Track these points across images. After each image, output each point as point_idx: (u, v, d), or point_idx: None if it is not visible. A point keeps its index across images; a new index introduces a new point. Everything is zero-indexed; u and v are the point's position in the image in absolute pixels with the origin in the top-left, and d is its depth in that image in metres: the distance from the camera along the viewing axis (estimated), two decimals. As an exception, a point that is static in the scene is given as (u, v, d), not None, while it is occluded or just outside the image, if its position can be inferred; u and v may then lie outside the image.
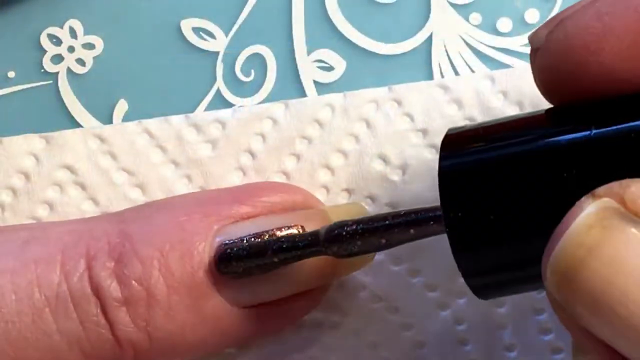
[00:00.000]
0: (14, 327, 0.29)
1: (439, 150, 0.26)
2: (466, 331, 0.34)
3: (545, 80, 0.26)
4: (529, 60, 0.34)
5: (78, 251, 0.30)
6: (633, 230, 0.21)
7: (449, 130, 0.27)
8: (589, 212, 0.22)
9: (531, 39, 0.26)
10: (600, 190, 0.22)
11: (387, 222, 0.28)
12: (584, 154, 0.24)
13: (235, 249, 0.30)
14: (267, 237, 0.30)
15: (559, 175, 0.24)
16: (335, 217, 0.31)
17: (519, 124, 0.26)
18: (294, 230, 0.30)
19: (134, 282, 0.29)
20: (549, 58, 0.25)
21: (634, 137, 0.23)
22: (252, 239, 0.30)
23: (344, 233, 0.29)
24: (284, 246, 0.30)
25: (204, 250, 0.30)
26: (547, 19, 0.34)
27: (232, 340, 0.32)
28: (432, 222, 0.27)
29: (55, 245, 0.30)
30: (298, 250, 0.30)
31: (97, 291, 0.29)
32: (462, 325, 0.34)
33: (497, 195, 0.25)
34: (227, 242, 0.30)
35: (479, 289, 0.26)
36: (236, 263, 0.30)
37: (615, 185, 0.22)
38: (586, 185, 0.23)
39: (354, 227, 0.29)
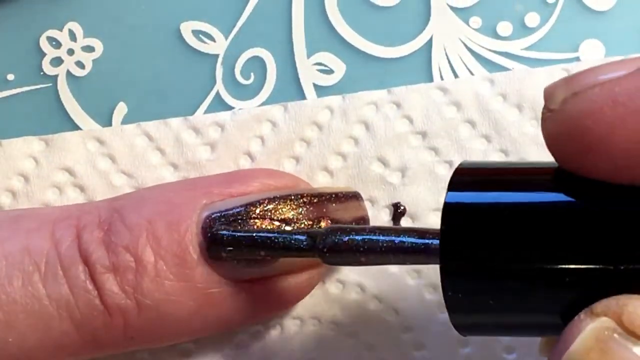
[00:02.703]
0: (3, 290, 0.29)
1: (448, 184, 0.26)
2: (465, 333, 0.34)
3: (552, 144, 0.25)
4: (529, 64, 0.34)
5: (69, 223, 0.31)
6: (630, 353, 0.22)
7: (461, 164, 0.27)
8: (588, 333, 0.22)
9: (546, 96, 0.25)
10: (598, 308, 0.23)
11: (386, 242, 0.28)
12: (580, 224, 0.24)
13: (226, 237, 0.30)
14: (258, 228, 0.30)
15: (557, 238, 0.24)
16: (327, 199, 0.32)
17: (529, 175, 0.26)
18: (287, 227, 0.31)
19: (121, 249, 0.30)
20: (559, 127, 0.24)
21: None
22: (243, 234, 0.30)
23: (344, 242, 0.28)
24: (276, 245, 0.29)
25: (191, 220, 0.30)
26: (547, 22, 0.34)
27: (225, 318, 0.31)
28: (430, 255, 0.27)
29: (46, 219, 0.31)
30: (291, 252, 0.29)
31: (86, 258, 0.30)
32: (462, 327, 0.34)
33: (498, 245, 0.24)
34: (215, 214, 0.30)
35: (461, 327, 0.26)
36: (225, 252, 0.30)
37: (612, 304, 0.22)
38: (579, 252, 0.23)
39: (356, 239, 0.28)
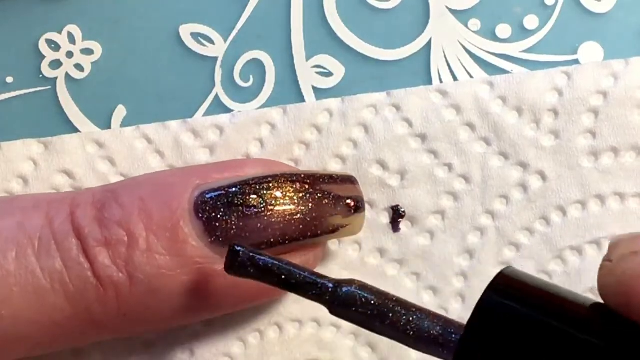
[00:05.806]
0: None
1: (489, 284, 0.25)
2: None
3: (602, 291, 0.26)
4: (528, 66, 0.34)
5: (63, 202, 0.31)
6: None
7: (505, 270, 0.26)
8: None
9: (610, 246, 0.26)
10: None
11: (405, 320, 0.27)
12: None
13: (248, 257, 0.29)
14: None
15: None
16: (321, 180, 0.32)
17: (567, 306, 0.26)
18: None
19: (114, 224, 0.30)
20: (611, 278, 0.25)
21: None
22: (267, 260, 0.29)
23: (354, 306, 0.28)
24: (297, 283, 0.28)
25: (183, 198, 0.31)
26: (546, 24, 0.34)
27: (218, 297, 0.31)
28: (442, 349, 0.26)
29: (41, 200, 0.31)
30: (305, 292, 0.28)
31: (79, 232, 0.30)
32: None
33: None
34: (208, 192, 0.31)
35: None
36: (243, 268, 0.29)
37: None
38: None
39: (368, 310, 0.28)
